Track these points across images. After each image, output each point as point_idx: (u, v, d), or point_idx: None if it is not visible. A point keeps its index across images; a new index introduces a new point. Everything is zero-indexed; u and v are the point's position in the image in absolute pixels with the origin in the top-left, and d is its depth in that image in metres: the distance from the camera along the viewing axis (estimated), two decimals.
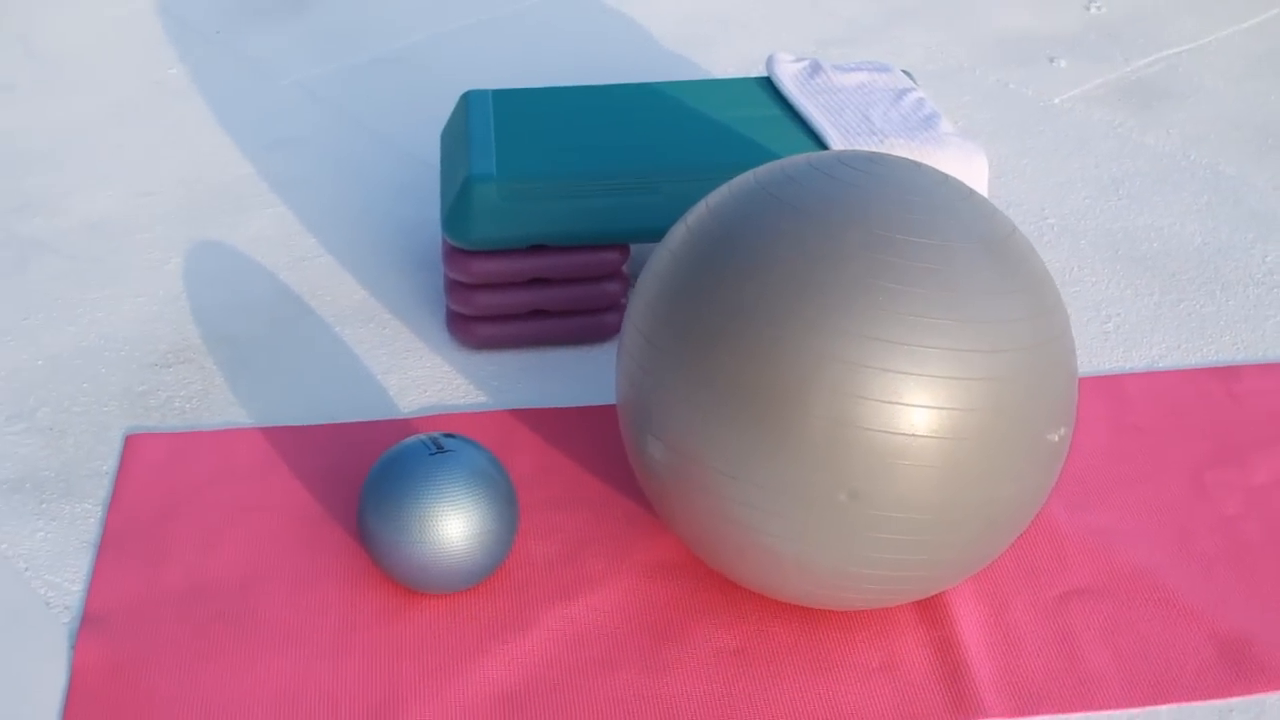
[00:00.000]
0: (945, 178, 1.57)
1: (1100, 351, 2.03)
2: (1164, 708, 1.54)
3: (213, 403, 1.97)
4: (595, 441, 1.88)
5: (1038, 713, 1.53)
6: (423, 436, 1.64)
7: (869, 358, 1.42)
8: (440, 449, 1.62)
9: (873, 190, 1.51)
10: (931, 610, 1.64)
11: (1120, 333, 2.07)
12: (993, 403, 1.45)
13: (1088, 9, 2.94)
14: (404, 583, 1.64)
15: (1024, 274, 1.51)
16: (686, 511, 1.54)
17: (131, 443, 1.89)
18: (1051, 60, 2.76)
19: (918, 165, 1.58)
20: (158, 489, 1.82)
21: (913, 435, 1.43)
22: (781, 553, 1.49)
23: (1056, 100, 2.64)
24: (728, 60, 2.77)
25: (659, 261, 1.57)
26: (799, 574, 1.51)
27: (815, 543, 1.47)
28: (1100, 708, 1.54)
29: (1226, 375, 1.98)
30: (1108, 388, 1.96)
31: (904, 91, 2.12)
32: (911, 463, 1.43)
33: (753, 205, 1.53)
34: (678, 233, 1.58)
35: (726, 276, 1.49)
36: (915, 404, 1.43)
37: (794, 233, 1.48)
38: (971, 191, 1.57)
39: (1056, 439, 1.51)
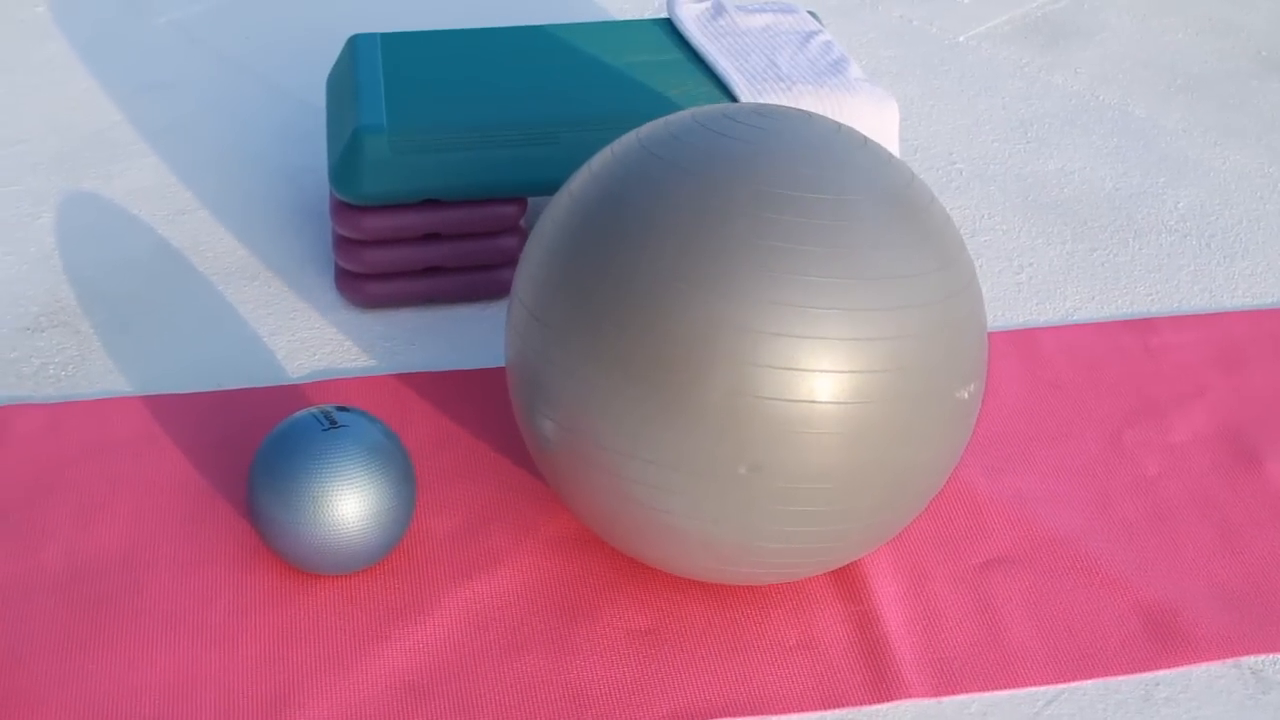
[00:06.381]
0: (839, 128, 1.49)
1: (1013, 304, 1.98)
2: (1089, 683, 1.50)
3: (90, 369, 1.86)
4: (495, 407, 1.80)
5: (961, 691, 1.48)
6: (315, 410, 1.55)
7: (763, 322, 1.35)
8: (333, 424, 1.54)
9: (761, 146, 1.43)
10: (849, 584, 1.58)
11: (1033, 284, 2.01)
12: (896, 363, 1.38)
13: None
14: (297, 565, 1.55)
15: (925, 225, 1.44)
16: (583, 491, 1.46)
17: (2, 415, 1.78)
18: None
19: (809, 117, 1.49)
20: (32, 464, 1.72)
21: (813, 402, 1.36)
22: (684, 529, 1.42)
23: (961, 38, 2.57)
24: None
25: (542, 232, 1.48)
26: (704, 550, 1.44)
27: (718, 518, 1.40)
28: (1025, 684, 1.49)
29: (1142, 328, 1.93)
30: (1022, 342, 1.90)
31: (811, 34, 2.04)
32: (813, 431, 1.36)
33: (636, 166, 1.44)
34: (561, 200, 1.49)
35: (611, 243, 1.41)
36: (814, 369, 1.35)
37: (679, 193, 1.40)
38: (866, 141, 1.49)
39: (966, 395, 1.45)
